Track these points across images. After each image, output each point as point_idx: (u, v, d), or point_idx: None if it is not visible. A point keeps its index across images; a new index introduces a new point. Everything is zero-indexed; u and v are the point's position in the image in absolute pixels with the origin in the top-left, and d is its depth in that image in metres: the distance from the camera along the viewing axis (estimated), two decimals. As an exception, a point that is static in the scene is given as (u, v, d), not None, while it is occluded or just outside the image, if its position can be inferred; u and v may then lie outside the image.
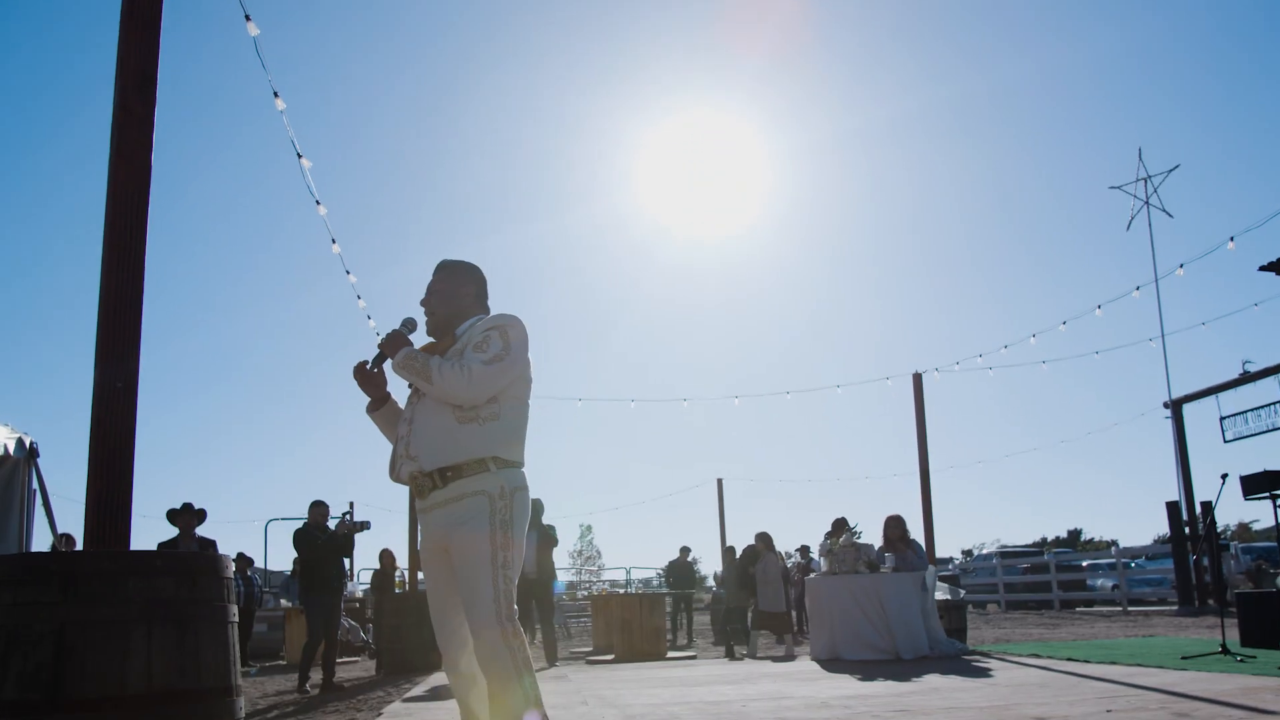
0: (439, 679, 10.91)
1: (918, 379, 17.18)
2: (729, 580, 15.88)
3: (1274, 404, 19.03)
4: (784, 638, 14.08)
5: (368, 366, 4.13)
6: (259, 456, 74.66)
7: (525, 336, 4.04)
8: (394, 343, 3.99)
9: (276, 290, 74.74)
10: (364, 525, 14.21)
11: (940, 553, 21.52)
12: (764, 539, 14.67)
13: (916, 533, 15.55)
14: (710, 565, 48.46)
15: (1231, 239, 13.28)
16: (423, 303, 4.22)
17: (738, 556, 15.54)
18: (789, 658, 12.82)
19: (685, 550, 21.73)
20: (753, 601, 14.56)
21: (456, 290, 4.21)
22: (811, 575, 13.60)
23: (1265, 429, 19.36)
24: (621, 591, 23.83)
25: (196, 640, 3.03)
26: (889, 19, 74.12)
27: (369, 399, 4.21)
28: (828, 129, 70.40)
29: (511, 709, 3.71)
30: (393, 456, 4.06)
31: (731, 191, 71.58)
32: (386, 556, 15.76)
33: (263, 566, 29.58)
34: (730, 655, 13.64)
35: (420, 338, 4.16)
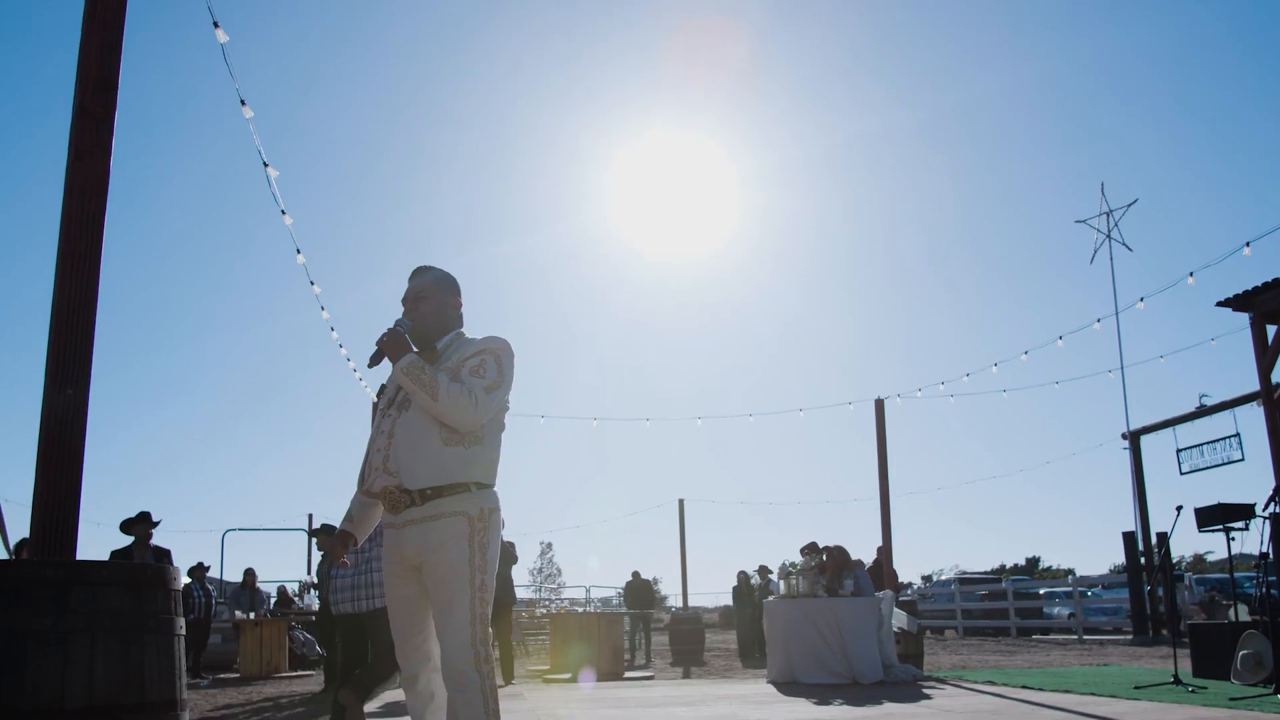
0: (392, 696, 10.81)
1: (880, 404, 17.26)
2: None
3: (1229, 438, 19.24)
4: None
5: (368, 365, 3.99)
6: (218, 466, 73.79)
7: (513, 362, 4.01)
8: (398, 345, 3.86)
9: (240, 302, 74.12)
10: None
11: (900, 578, 21.55)
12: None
13: (876, 559, 15.63)
14: (671, 586, 48.50)
15: (1191, 274, 13.46)
16: (409, 308, 4.09)
17: None
18: None
19: (636, 574, 21.74)
20: None
21: (447, 301, 4.14)
22: (770, 598, 13.58)
23: (1220, 462, 19.54)
24: (580, 610, 23.72)
25: (141, 653, 2.97)
26: (856, 38, 74.72)
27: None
28: (794, 151, 70.65)
29: None
30: (366, 468, 3.99)
31: (699, 213, 71.71)
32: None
33: (218, 577, 29.26)
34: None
35: None
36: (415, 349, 4.02)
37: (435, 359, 4.00)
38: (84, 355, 3.49)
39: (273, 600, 20.27)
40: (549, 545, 54.63)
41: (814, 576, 12.27)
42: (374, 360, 3.99)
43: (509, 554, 13.57)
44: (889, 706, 8.63)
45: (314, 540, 17.40)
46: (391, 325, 3.98)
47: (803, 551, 13.60)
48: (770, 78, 72.86)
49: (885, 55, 74.71)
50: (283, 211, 8.72)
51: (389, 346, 3.88)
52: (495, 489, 4.01)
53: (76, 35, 3.64)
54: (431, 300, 4.10)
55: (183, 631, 3.25)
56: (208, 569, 17.63)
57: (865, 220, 76.65)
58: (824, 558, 12.77)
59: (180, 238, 70.70)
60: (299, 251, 9.78)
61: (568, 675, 13.91)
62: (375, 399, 4.12)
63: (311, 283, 10.58)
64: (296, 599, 22.70)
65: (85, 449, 3.46)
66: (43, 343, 3.52)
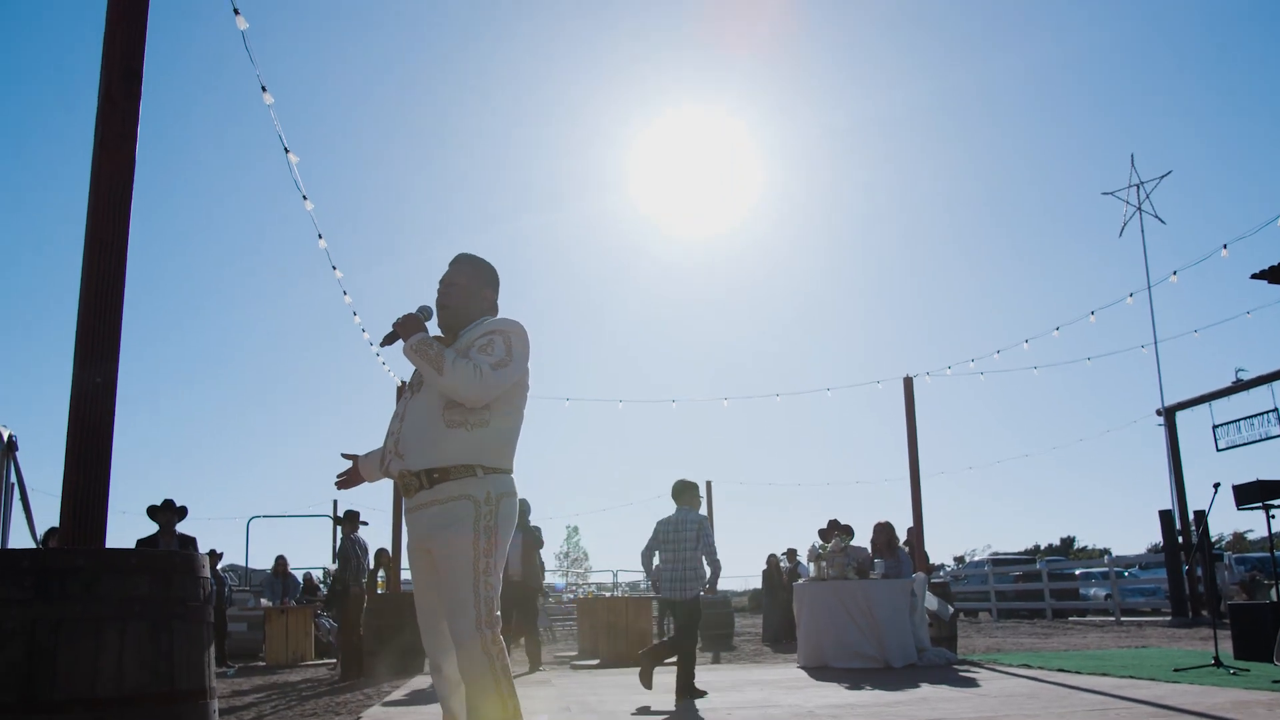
0: (419, 683, 10.90)
1: (908, 383, 17.18)
2: None
3: (1268, 413, 19.03)
4: None
5: (379, 345, 4.13)
6: (242, 453, 74.37)
7: (527, 344, 4.05)
8: (409, 325, 3.95)
9: (262, 287, 74.48)
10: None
11: (931, 559, 21.55)
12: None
13: (908, 540, 15.59)
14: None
15: (1225, 246, 13.31)
16: (441, 293, 4.19)
17: None
18: None
19: None
20: None
21: (479, 290, 4.22)
22: (799, 580, 13.59)
23: (1259, 438, 19.34)
24: (608, 595, 23.82)
25: (171, 640, 3.01)
26: (877, 13, 74.06)
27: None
28: (817, 127, 70.21)
29: (487, 716, 3.72)
30: (383, 451, 4.09)
31: (722, 190, 71.50)
32: (382, 556, 15.68)
33: (244, 565, 29.50)
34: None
35: (430, 328, 4.11)
36: (438, 332, 4.10)
37: (451, 342, 4.06)
38: (112, 345, 3.52)
39: (299, 587, 20.48)
40: (575, 529, 54.74)
41: (843, 559, 12.26)
42: (387, 340, 4.08)
43: (535, 539, 13.57)
44: (924, 690, 8.64)
45: (339, 526, 17.53)
46: (413, 310, 4.05)
47: (824, 533, 13.57)
48: (792, 54, 72.37)
49: (906, 31, 74.12)
50: (304, 197, 8.75)
51: (402, 327, 3.96)
52: (510, 475, 4.03)
53: (101, 24, 3.68)
54: (463, 289, 4.19)
55: (211, 619, 3.29)
56: (220, 555, 17.80)
57: (887, 196, 76.12)
58: (843, 534, 12.76)
59: (202, 223, 71.12)
60: (320, 236, 9.81)
61: (596, 661, 14.00)
62: (401, 383, 4.19)
63: (334, 267, 10.60)
64: (322, 585, 22.92)
65: (114, 438, 3.50)
66: (68, 334, 3.57)
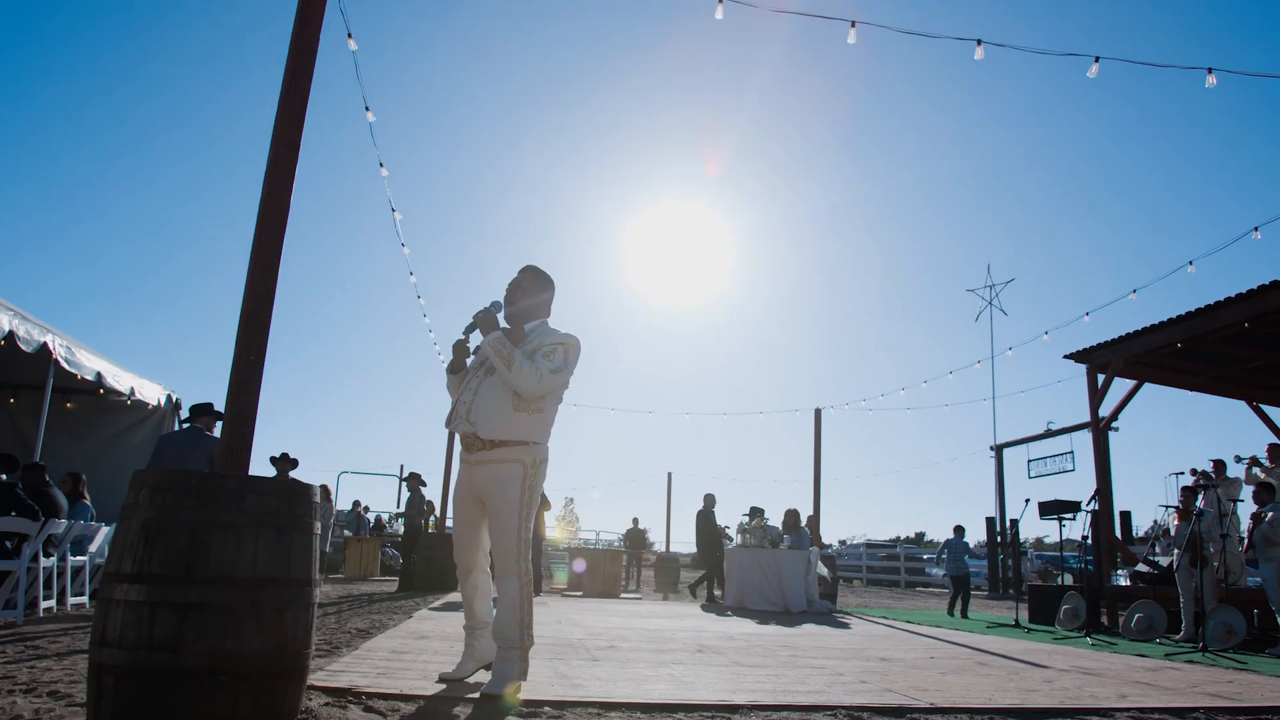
0: (454, 597, 10.84)
1: (818, 413, 17.23)
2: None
3: (1066, 453, 19.19)
4: None
5: (463, 333, 3.87)
6: (335, 424, 73.75)
7: (579, 357, 3.86)
8: (488, 322, 3.75)
9: (358, 300, 74.19)
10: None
11: (823, 539, 21.50)
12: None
13: (807, 524, 15.57)
14: (658, 534, 48.24)
15: (1046, 333, 13.49)
16: (509, 292, 3.94)
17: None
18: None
19: (635, 521, 21.78)
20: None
21: (539, 295, 3.97)
22: (730, 546, 13.57)
23: (1059, 470, 19.49)
24: (591, 547, 23.63)
25: (290, 544, 3.03)
26: (814, 139, 74.77)
27: (453, 363, 3.98)
28: (776, 215, 70.74)
29: (510, 623, 3.68)
30: (452, 413, 3.84)
31: (693, 266, 71.51)
32: (430, 506, 15.61)
33: (335, 506, 29.22)
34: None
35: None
36: (505, 325, 3.87)
37: (520, 337, 3.87)
38: (262, 337, 3.53)
39: (370, 524, 20.32)
40: (571, 500, 54.40)
41: (760, 533, 12.28)
42: (468, 331, 3.89)
43: (544, 502, 13.57)
44: (810, 627, 8.66)
45: (404, 482, 17.45)
46: (487, 305, 3.85)
47: (751, 510, 13.57)
48: (748, 167, 72.89)
49: (832, 157, 74.72)
50: (403, 245, 8.81)
51: (482, 322, 3.78)
52: (547, 445, 3.88)
53: (273, 106, 3.73)
54: (528, 290, 3.97)
55: (318, 531, 3.31)
56: (329, 491, 17.63)
57: (817, 278, 76.53)
58: (762, 516, 12.79)
59: (318, 255, 70.85)
60: (411, 273, 9.88)
61: (580, 593, 13.92)
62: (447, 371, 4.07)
63: (419, 297, 10.66)
64: (387, 524, 22.77)
65: (259, 402, 3.52)
66: (233, 325, 3.59)
